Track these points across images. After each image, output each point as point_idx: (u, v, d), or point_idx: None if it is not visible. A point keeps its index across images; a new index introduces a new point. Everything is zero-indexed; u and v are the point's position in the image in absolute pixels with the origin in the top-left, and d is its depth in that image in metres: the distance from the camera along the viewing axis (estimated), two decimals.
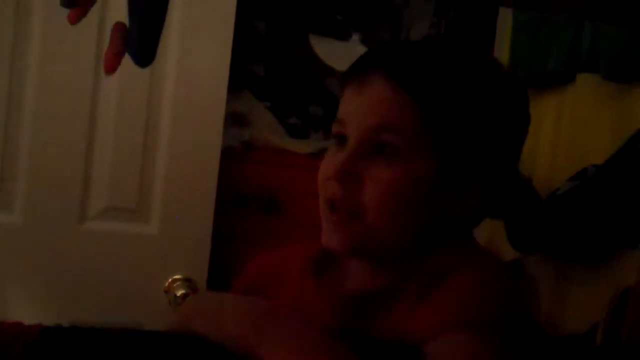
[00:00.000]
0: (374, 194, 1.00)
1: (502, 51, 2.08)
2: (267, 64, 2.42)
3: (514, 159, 1.12)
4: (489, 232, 1.95)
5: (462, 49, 1.14)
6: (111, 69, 0.91)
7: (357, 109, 1.04)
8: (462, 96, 1.02)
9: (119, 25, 0.91)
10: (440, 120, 1.00)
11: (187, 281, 1.98)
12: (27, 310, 1.87)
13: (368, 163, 1.01)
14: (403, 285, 0.99)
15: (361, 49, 2.36)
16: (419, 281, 0.98)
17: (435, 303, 0.94)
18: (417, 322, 0.93)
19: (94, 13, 0.93)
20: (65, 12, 0.91)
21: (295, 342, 0.89)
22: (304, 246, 1.14)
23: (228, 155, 2.08)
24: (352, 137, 1.03)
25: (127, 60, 0.92)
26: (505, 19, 2.11)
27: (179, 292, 1.95)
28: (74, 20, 0.91)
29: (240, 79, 2.26)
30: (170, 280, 1.98)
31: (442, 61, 1.05)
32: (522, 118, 1.11)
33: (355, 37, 2.45)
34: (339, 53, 2.32)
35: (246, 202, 2.13)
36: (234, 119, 2.23)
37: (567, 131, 1.80)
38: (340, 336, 0.92)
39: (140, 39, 0.90)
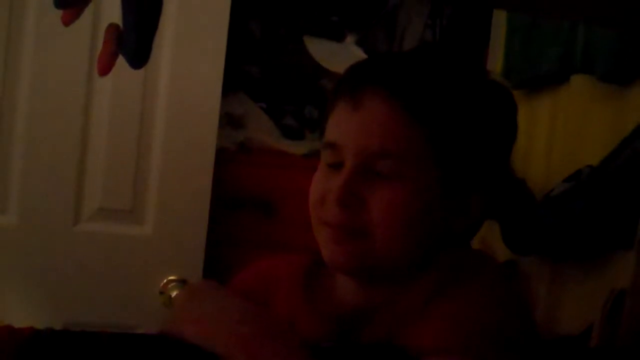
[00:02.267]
0: (378, 216, 0.97)
1: (497, 53, 2.09)
2: (262, 65, 2.42)
3: (507, 164, 1.12)
4: (483, 233, 1.95)
5: (455, 59, 1.11)
6: (105, 70, 0.90)
7: (353, 130, 0.99)
8: (462, 112, 1.00)
9: (112, 27, 0.91)
10: (443, 139, 0.98)
11: (182, 282, 1.97)
12: (20, 311, 1.86)
13: (369, 183, 0.98)
14: (398, 301, 0.98)
15: (356, 50, 2.36)
16: (416, 298, 0.96)
17: (432, 322, 0.92)
18: (412, 340, 0.91)
19: (87, 14, 0.92)
20: (59, 13, 0.91)
21: None
22: (294, 257, 1.12)
23: (223, 156, 2.08)
24: (349, 161, 0.99)
25: (121, 62, 0.92)
26: (500, 20, 2.11)
27: (174, 293, 1.95)
28: (68, 21, 0.90)
29: (235, 80, 2.25)
30: (165, 281, 1.98)
31: (439, 76, 1.02)
32: (513, 125, 1.10)
33: (350, 38, 2.45)
34: (334, 54, 2.32)
35: (241, 202, 2.13)
36: (228, 120, 2.23)
37: (561, 132, 1.80)
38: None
39: (134, 40, 0.90)
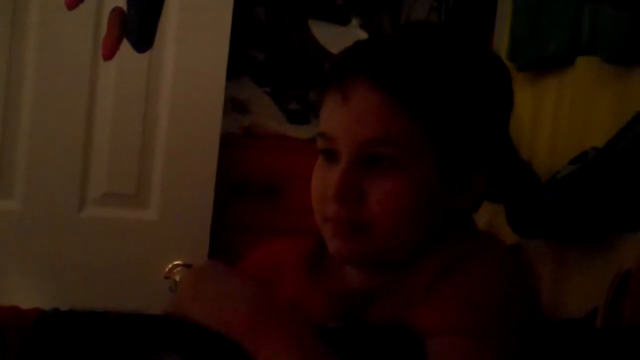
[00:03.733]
0: (379, 208, 0.96)
1: (502, 35, 2.08)
2: (267, 50, 2.41)
3: (506, 133, 1.10)
4: (489, 216, 1.95)
5: (439, 36, 1.07)
6: (109, 55, 0.90)
7: (344, 121, 0.98)
8: (451, 90, 0.98)
9: (117, 11, 0.90)
10: (434, 121, 0.97)
11: (188, 267, 1.98)
12: (26, 297, 1.87)
13: (366, 176, 0.97)
14: (403, 282, 0.97)
15: (361, 34, 2.35)
16: (422, 278, 0.96)
17: (437, 303, 0.92)
18: (419, 320, 0.91)
19: None
20: None
21: (289, 347, 0.87)
22: (299, 240, 1.12)
23: (228, 141, 2.08)
24: (344, 152, 0.98)
25: (125, 46, 0.91)
26: (505, 2, 2.10)
27: (180, 277, 1.96)
28: (72, 5, 0.90)
29: (240, 64, 2.25)
30: (170, 266, 1.98)
31: (427, 58, 0.99)
32: (507, 94, 1.07)
33: (354, 22, 2.45)
34: (338, 38, 2.31)
35: (246, 187, 2.13)
36: (233, 105, 2.23)
37: (567, 114, 1.80)
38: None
39: (139, 24, 0.89)
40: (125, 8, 0.90)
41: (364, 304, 0.99)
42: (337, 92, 0.98)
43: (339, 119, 0.99)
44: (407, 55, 0.99)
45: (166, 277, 1.98)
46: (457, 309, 0.90)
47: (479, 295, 0.92)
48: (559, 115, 1.82)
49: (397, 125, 0.96)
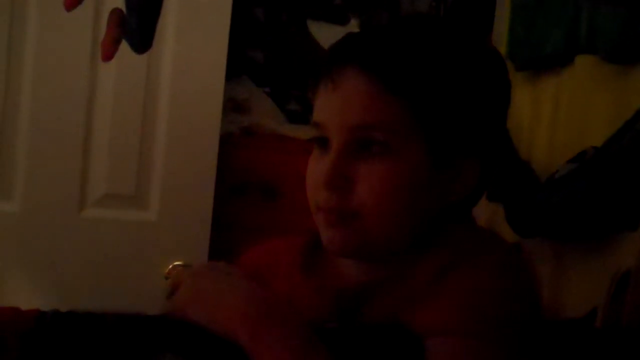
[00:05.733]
0: (369, 195, 0.96)
1: (501, 33, 2.08)
2: (266, 50, 2.42)
3: (503, 124, 1.08)
4: (488, 215, 1.95)
5: (433, 25, 1.07)
6: (108, 56, 0.90)
7: (334, 108, 0.99)
8: (445, 80, 0.97)
9: (115, 12, 0.91)
10: (424, 108, 0.96)
11: (188, 267, 1.98)
12: (27, 298, 1.87)
13: (356, 163, 0.96)
14: (401, 279, 0.96)
15: None
16: (421, 276, 0.94)
17: (437, 303, 0.91)
18: (416, 320, 0.90)
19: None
20: None
21: (289, 348, 0.87)
22: (294, 238, 1.11)
23: (227, 141, 2.08)
24: (334, 140, 0.98)
25: (124, 47, 0.92)
26: (503, 1, 2.11)
27: (173, 276, 1.95)
28: (70, 6, 0.90)
29: (239, 64, 2.25)
30: (170, 266, 1.98)
31: (417, 46, 0.99)
32: (502, 83, 1.06)
33: (354, 21, 2.45)
34: (337, 38, 2.31)
35: (245, 188, 2.13)
36: (232, 105, 2.23)
37: (565, 113, 1.80)
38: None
39: (138, 25, 0.90)
40: (124, 9, 0.90)
41: (360, 301, 0.98)
42: (327, 80, 0.99)
43: (330, 105, 0.99)
44: (396, 41, 0.99)
45: (166, 278, 1.98)
46: (458, 310, 0.90)
47: (480, 296, 0.91)
48: (557, 114, 1.82)
49: (386, 111, 0.96)
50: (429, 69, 0.97)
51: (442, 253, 0.96)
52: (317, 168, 1.00)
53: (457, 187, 1.00)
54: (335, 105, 0.99)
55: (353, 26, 2.43)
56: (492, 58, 1.07)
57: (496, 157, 1.06)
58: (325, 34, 2.35)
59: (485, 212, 1.96)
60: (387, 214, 0.97)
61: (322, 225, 1.00)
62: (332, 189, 0.97)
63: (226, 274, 0.96)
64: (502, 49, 2.03)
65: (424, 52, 0.98)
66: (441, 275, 0.93)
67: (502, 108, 1.06)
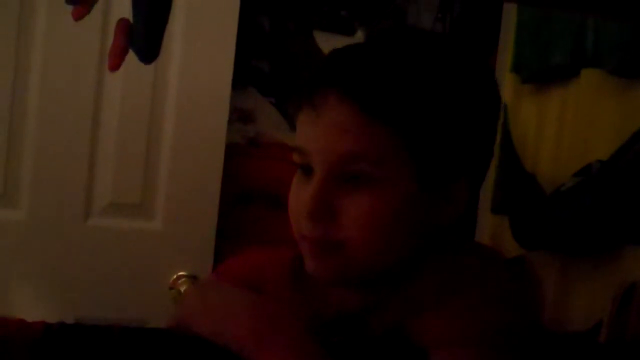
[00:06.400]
0: (354, 227, 0.92)
1: (507, 47, 2.08)
2: (272, 60, 2.42)
3: (492, 143, 1.02)
4: (494, 228, 1.95)
5: (417, 44, 0.99)
6: (115, 65, 0.91)
7: (318, 137, 0.94)
8: (433, 104, 0.92)
9: (122, 22, 0.91)
10: (410, 133, 0.91)
11: (192, 278, 1.98)
12: (32, 307, 1.87)
13: (341, 194, 0.93)
14: (399, 298, 0.95)
15: None
16: (420, 290, 0.94)
17: (440, 314, 0.90)
18: (420, 331, 0.89)
19: (97, 9, 0.93)
20: (69, 8, 0.91)
21: (290, 354, 0.86)
22: (278, 251, 1.09)
23: (233, 151, 2.08)
24: (318, 169, 0.94)
25: (131, 57, 0.92)
26: (510, 14, 2.11)
27: (184, 289, 1.95)
28: (78, 16, 0.91)
29: (245, 75, 2.26)
30: (175, 276, 1.98)
31: (403, 69, 0.93)
32: (491, 100, 1.01)
33: (360, 32, 2.45)
34: None
35: (251, 198, 2.13)
36: (238, 115, 2.23)
37: (571, 126, 1.80)
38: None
39: (145, 35, 0.90)
40: (131, 19, 0.90)
41: (359, 316, 0.96)
42: (310, 105, 0.94)
43: (312, 134, 0.95)
44: (377, 65, 0.94)
45: (171, 288, 1.97)
46: (463, 321, 0.89)
47: (484, 307, 0.90)
48: (563, 127, 1.82)
49: (372, 140, 0.91)
50: (415, 94, 0.92)
51: (439, 271, 0.95)
52: (300, 195, 0.97)
53: (447, 210, 0.97)
54: (318, 134, 0.94)
55: (359, 37, 2.44)
56: (482, 76, 1.01)
57: (484, 175, 1.03)
58: (332, 45, 2.35)
59: (490, 224, 1.96)
60: (374, 244, 0.93)
61: (306, 254, 0.97)
62: (315, 220, 0.94)
63: (230, 287, 0.96)
64: (508, 61, 2.03)
65: (410, 76, 0.93)
66: (444, 288, 0.93)
67: (492, 127, 1.02)
